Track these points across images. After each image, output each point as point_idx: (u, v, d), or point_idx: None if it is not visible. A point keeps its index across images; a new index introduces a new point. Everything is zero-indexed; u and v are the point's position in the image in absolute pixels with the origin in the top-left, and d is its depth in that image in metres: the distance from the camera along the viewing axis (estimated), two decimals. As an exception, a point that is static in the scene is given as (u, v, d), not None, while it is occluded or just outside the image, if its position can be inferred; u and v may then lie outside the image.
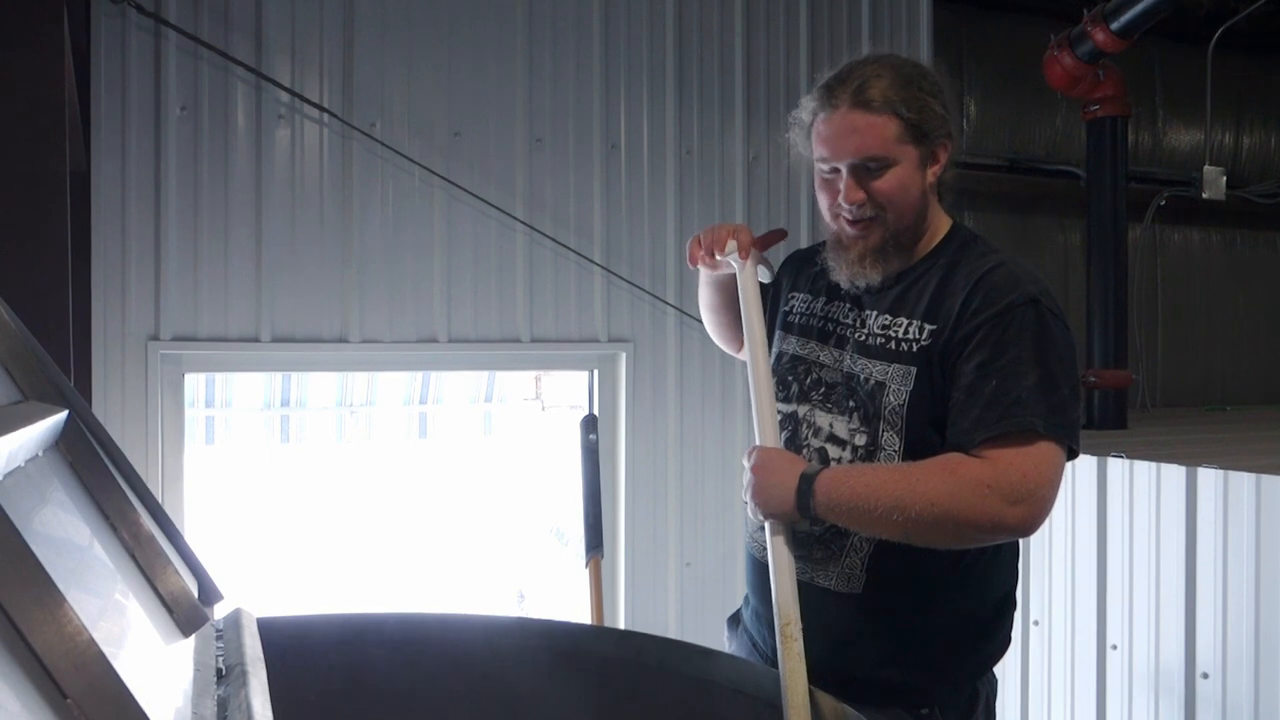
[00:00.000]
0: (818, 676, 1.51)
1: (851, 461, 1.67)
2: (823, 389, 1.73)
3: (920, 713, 1.65)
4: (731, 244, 1.80)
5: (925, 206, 1.69)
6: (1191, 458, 2.67)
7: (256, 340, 3.08)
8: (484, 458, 6.36)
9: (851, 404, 1.69)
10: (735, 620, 1.95)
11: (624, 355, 3.52)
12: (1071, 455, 1.61)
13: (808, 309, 1.82)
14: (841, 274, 1.73)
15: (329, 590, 5.61)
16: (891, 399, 1.63)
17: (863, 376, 1.68)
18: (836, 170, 1.66)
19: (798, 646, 1.47)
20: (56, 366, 1.36)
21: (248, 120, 3.08)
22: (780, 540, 1.57)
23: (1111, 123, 3.91)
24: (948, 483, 1.51)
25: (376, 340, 3.22)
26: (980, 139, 4.78)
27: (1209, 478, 2.51)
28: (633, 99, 3.55)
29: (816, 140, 1.68)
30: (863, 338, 1.71)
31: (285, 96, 3.10)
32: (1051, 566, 2.96)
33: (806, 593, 1.61)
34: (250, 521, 5.70)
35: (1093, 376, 3.90)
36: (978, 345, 1.58)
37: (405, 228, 3.25)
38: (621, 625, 3.48)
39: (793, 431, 1.75)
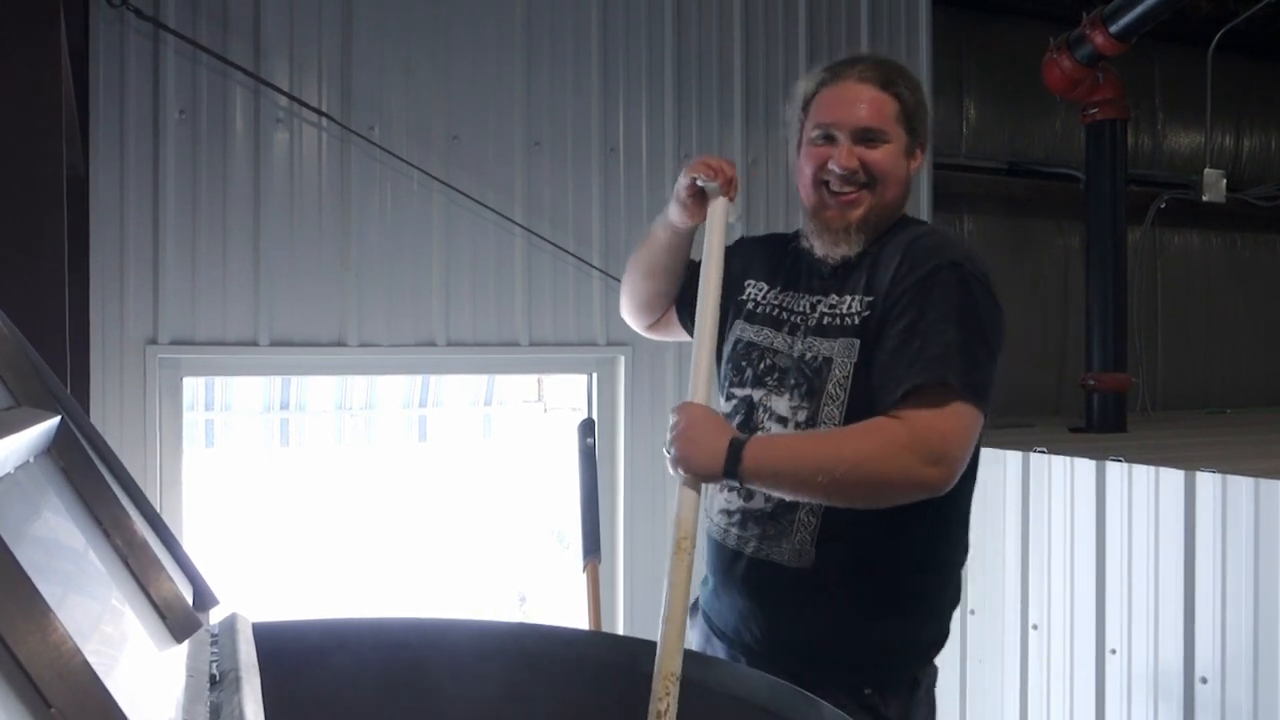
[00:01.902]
0: (768, 644, 1.62)
1: None
2: (776, 374, 1.78)
3: (863, 693, 1.69)
4: (714, 184, 1.79)
5: (904, 195, 1.78)
6: (1190, 461, 2.66)
7: (255, 344, 3.08)
8: (484, 460, 6.35)
9: (794, 382, 1.74)
10: (694, 608, 1.97)
11: (622, 359, 3.52)
12: (984, 411, 1.64)
13: (764, 297, 1.86)
14: (821, 242, 1.77)
15: (328, 594, 5.61)
16: (837, 372, 1.69)
17: (809, 355, 1.73)
18: (831, 138, 1.71)
19: (688, 560, 1.52)
20: (51, 371, 1.36)
21: (246, 124, 3.08)
22: (689, 485, 1.62)
23: (1111, 125, 3.91)
24: (869, 444, 1.57)
25: (375, 344, 3.22)
26: (979, 141, 4.78)
27: (1208, 482, 2.51)
28: (631, 102, 3.55)
29: (818, 108, 1.74)
30: (814, 321, 1.76)
31: (284, 100, 3.11)
32: (1050, 571, 2.95)
33: (761, 568, 1.72)
34: (250, 525, 5.70)
35: (1092, 380, 3.90)
36: (904, 308, 1.64)
37: (404, 231, 3.25)
38: (620, 629, 3.47)
39: (746, 415, 1.79)
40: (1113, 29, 3.64)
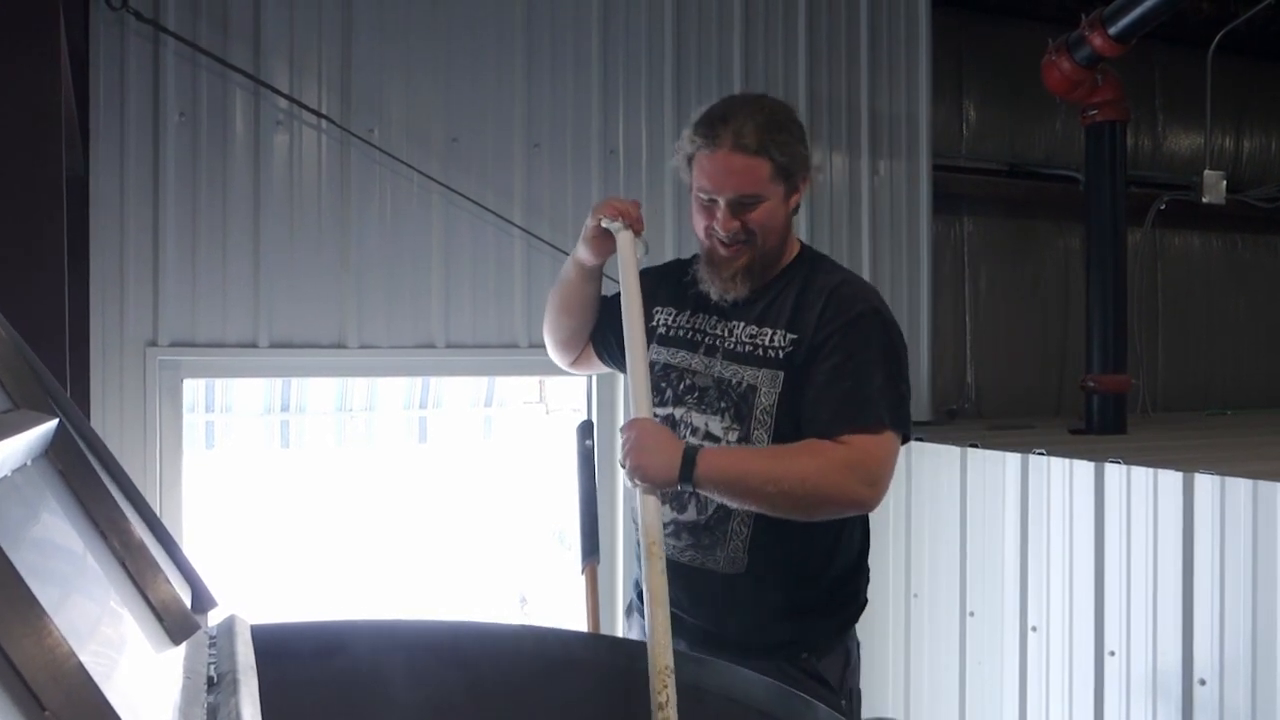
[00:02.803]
0: (706, 640, 1.81)
1: None
2: (695, 393, 1.95)
3: (801, 657, 1.91)
4: (618, 223, 1.96)
5: (788, 231, 1.97)
6: (1189, 463, 2.66)
7: (255, 346, 3.09)
8: (485, 461, 6.35)
9: (723, 404, 1.91)
10: (630, 610, 2.17)
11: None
12: (904, 440, 1.88)
13: (674, 321, 2.04)
14: (713, 288, 1.95)
15: (329, 596, 5.61)
16: (763, 399, 1.88)
17: (734, 380, 1.91)
18: (714, 201, 1.87)
19: (661, 563, 1.63)
20: (50, 373, 1.36)
21: (246, 126, 3.09)
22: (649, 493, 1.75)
23: (1110, 127, 3.90)
24: (816, 463, 1.78)
25: (374, 346, 3.22)
26: (979, 143, 4.77)
27: (1206, 483, 2.50)
28: (631, 104, 3.55)
29: (698, 171, 1.90)
30: (731, 346, 1.94)
31: (283, 103, 3.11)
32: (1049, 573, 2.95)
33: (697, 575, 1.91)
34: (250, 526, 5.70)
35: (1091, 381, 3.89)
36: (832, 349, 1.85)
37: (403, 233, 3.25)
38: (619, 632, 3.47)
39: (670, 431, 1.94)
40: (1112, 30, 3.63)
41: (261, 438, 5.96)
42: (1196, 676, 2.53)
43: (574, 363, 2.27)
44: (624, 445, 1.79)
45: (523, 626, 1.70)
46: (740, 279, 1.92)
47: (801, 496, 1.77)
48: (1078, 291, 4.47)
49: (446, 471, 6.38)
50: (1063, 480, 2.89)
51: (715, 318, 1.98)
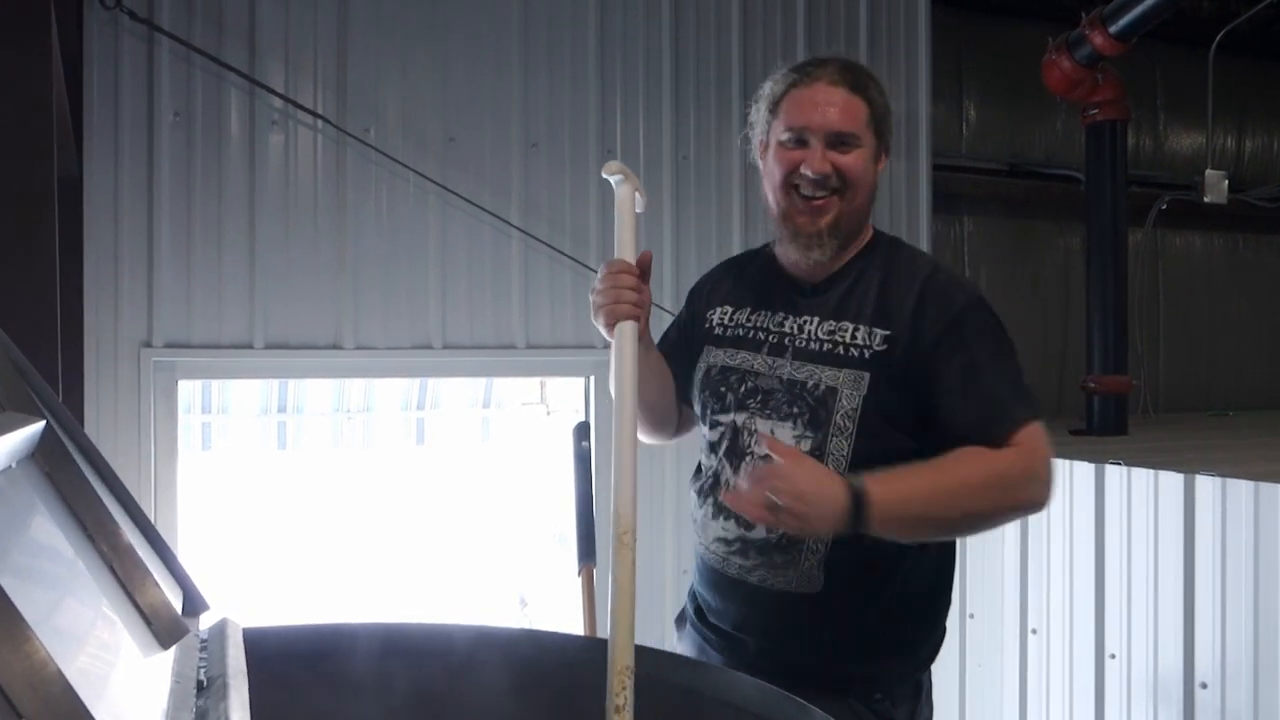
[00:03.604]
0: (772, 670, 1.53)
1: None
2: (759, 396, 1.75)
3: (874, 698, 1.71)
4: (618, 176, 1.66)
5: (872, 200, 1.76)
6: (1190, 464, 2.65)
7: (250, 347, 3.07)
8: (483, 462, 6.34)
9: (795, 409, 1.71)
10: (682, 620, 1.99)
11: (620, 361, 3.50)
12: None
13: (731, 319, 1.84)
14: (793, 248, 1.74)
15: (326, 598, 5.60)
16: (844, 403, 1.67)
17: (809, 382, 1.71)
18: (802, 142, 1.68)
19: (631, 555, 1.50)
20: (38, 374, 1.34)
21: (241, 126, 3.07)
22: (626, 442, 1.55)
23: (1111, 126, 3.89)
24: (990, 472, 1.59)
25: (371, 347, 3.21)
26: (979, 142, 4.76)
27: (1207, 485, 2.49)
28: (629, 104, 3.54)
29: (789, 109, 1.71)
30: (804, 343, 1.73)
31: (279, 102, 3.10)
32: (1049, 575, 2.94)
33: (764, 597, 1.70)
34: (247, 528, 5.69)
35: (1092, 383, 3.88)
36: (951, 350, 1.65)
37: (400, 234, 3.24)
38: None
39: (733, 440, 1.76)
40: (1112, 29, 3.62)
41: (258, 439, 5.94)
42: (1198, 680, 2.51)
43: (677, 434, 2.02)
44: (761, 480, 1.52)
45: (517, 629, 1.69)
46: (827, 236, 1.71)
47: (987, 515, 1.63)
48: (1078, 292, 4.46)
49: (444, 473, 6.36)
50: (1063, 482, 2.88)
51: (782, 314, 1.78)
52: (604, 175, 1.68)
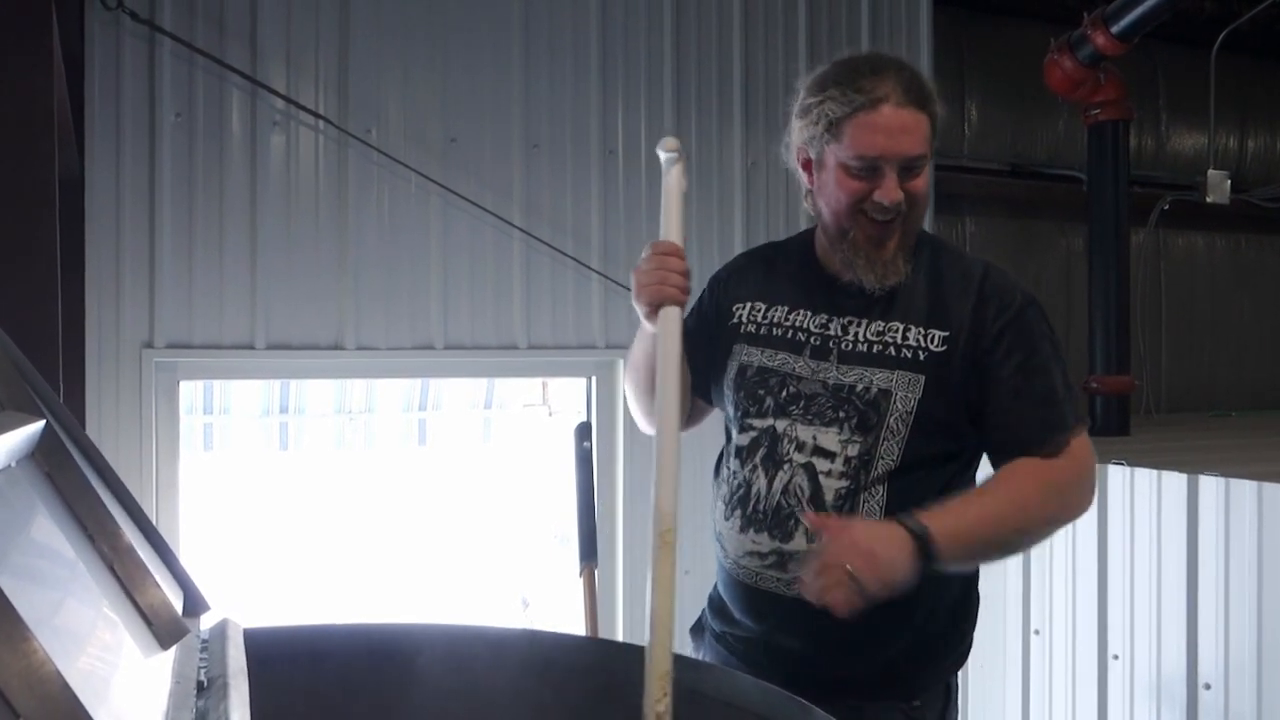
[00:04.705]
0: (825, 683, 1.52)
1: (842, 472, 1.66)
2: (801, 401, 1.70)
3: (913, 704, 1.71)
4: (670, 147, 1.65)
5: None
6: (1194, 465, 2.64)
7: (251, 348, 3.07)
8: (485, 464, 6.33)
9: (841, 414, 1.67)
10: (699, 630, 1.93)
11: (621, 362, 3.49)
12: None
13: (765, 317, 1.78)
14: (868, 275, 1.68)
15: (329, 599, 5.59)
16: (899, 406, 1.64)
17: (858, 386, 1.67)
18: (875, 170, 1.62)
19: (673, 554, 1.43)
20: (38, 374, 1.34)
21: (243, 127, 3.07)
22: (669, 437, 1.49)
23: (1113, 126, 3.89)
24: (1042, 487, 1.61)
25: (372, 347, 3.21)
26: (981, 143, 4.76)
27: (1210, 485, 2.48)
28: (630, 104, 3.54)
29: (856, 136, 1.61)
30: (849, 346, 1.69)
31: (280, 103, 3.10)
32: (1052, 575, 2.93)
33: (803, 607, 1.59)
34: (249, 529, 5.68)
35: (1094, 383, 3.87)
36: (1009, 348, 1.65)
37: (401, 234, 3.23)
38: (619, 635, 3.46)
39: (770, 447, 1.72)
40: (1114, 29, 3.62)
41: (260, 440, 5.94)
42: (1201, 681, 2.51)
43: (686, 427, 1.89)
44: (832, 557, 1.49)
45: (517, 629, 1.69)
46: (902, 259, 1.67)
47: (1044, 530, 1.65)
48: (1080, 292, 4.45)
49: (447, 474, 6.35)
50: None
51: (825, 315, 1.73)
52: (658, 151, 1.63)
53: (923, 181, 1.65)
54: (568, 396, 5.09)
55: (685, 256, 1.61)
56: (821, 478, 1.67)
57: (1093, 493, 1.67)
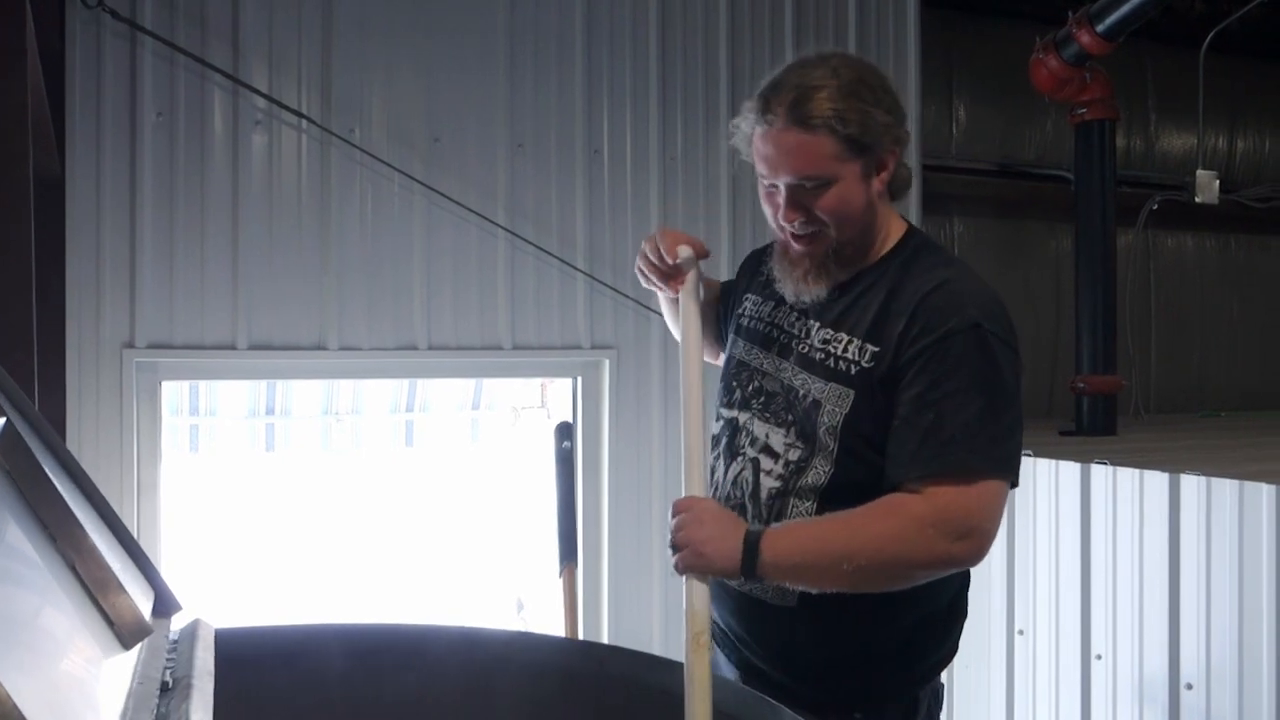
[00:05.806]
0: (758, 678, 1.56)
1: (780, 474, 1.66)
2: (762, 398, 1.71)
3: (853, 715, 1.64)
4: (685, 249, 1.77)
5: (873, 216, 1.65)
6: (1177, 464, 2.64)
7: (233, 348, 3.06)
8: (473, 465, 6.32)
9: (790, 417, 1.66)
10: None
11: (607, 362, 3.49)
12: (1012, 485, 1.58)
13: (757, 312, 1.80)
14: (787, 288, 1.70)
15: (316, 601, 5.58)
16: (826, 419, 1.61)
17: (801, 391, 1.65)
18: (775, 186, 1.62)
19: (707, 655, 1.43)
20: (3, 371, 1.33)
21: (225, 126, 3.06)
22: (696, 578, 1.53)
23: (1099, 126, 3.88)
24: (891, 526, 1.50)
25: (356, 348, 3.19)
26: (969, 143, 4.75)
27: (1192, 484, 2.48)
28: (616, 103, 3.53)
29: (756, 153, 1.62)
30: (805, 350, 1.68)
31: (263, 103, 3.08)
32: (1035, 575, 2.93)
33: (745, 603, 1.66)
34: (236, 530, 5.67)
35: (1081, 383, 3.87)
36: (916, 375, 1.55)
37: (384, 234, 3.22)
38: (605, 636, 3.45)
39: (730, 438, 1.75)
40: (1099, 28, 3.61)
41: (246, 441, 5.92)
42: (1183, 681, 2.50)
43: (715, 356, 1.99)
44: (675, 529, 1.54)
45: (491, 630, 1.67)
46: (813, 278, 1.65)
47: (881, 567, 1.50)
48: (1069, 292, 4.45)
49: (435, 475, 6.35)
50: (1049, 481, 2.87)
51: (797, 315, 1.71)
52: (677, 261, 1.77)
53: (833, 200, 1.58)
54: (567, 398, 5.08)
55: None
56: (762, 475, 1.67)
57: (963, 542, 1.50)
